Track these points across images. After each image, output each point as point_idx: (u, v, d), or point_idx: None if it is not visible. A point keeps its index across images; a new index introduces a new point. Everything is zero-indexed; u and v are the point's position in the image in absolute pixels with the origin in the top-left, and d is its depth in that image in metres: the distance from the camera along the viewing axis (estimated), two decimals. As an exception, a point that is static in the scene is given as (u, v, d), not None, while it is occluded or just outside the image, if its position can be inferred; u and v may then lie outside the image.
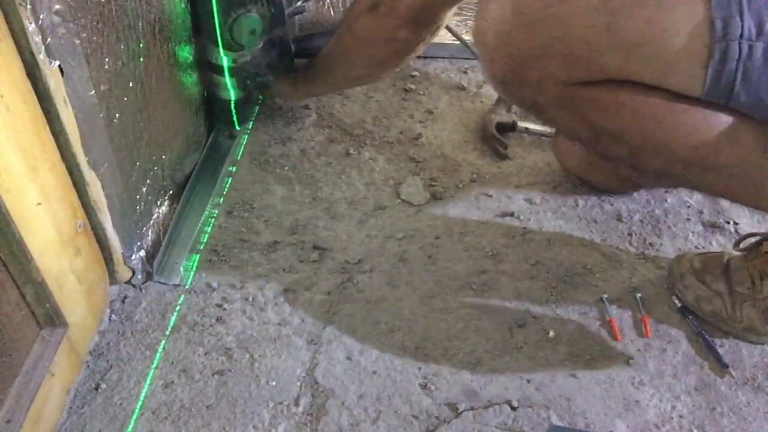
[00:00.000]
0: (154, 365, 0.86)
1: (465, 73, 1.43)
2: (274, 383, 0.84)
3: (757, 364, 0.88)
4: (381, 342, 0.90)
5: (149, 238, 0.97)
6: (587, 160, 1.10)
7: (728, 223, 1.09)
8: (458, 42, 1.46)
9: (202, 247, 1.02)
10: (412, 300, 0.96)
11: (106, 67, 0.78)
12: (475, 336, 0.91)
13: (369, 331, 0.91)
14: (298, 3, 1.24)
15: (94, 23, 0.74)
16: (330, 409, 0.82)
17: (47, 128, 0.70)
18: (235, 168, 1.17)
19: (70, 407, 0.81)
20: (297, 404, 0.82)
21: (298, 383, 0.85)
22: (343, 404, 0.82)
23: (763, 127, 0.71)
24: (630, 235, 1.06)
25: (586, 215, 1.10)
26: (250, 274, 0.98)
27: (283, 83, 1.20)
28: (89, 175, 0.77)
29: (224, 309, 0.93)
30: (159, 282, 0.96)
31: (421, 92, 1.37)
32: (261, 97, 1.29)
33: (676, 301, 0.95)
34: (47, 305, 0.74)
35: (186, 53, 1.03)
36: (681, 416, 0.83)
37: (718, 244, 1.05)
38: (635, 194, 1.13)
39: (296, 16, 1.36)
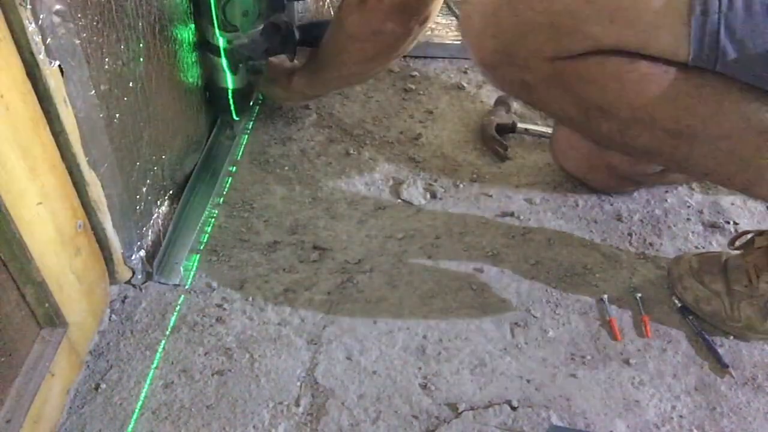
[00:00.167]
0: (154, 365, 0.86)
1: (465, 73, 1.43)
2: (274, 383, 0.84)
3: (757, 364, 0.88)
4: (381, 342, 0.90)
5: (149, 238, 0.97)
6: (586, 161, 1.10)
7: (728, 223, 1.09)
8: (458, 42, 1.46)
9: (202, 247, 1.02)
10: (412, 300, 0.96)
11: (106, 67, 0.78)
12: (475, 336, 0.91)
13: (369, 331, 0.91)
14: None
15: (94, 23, 0.74)
16: (330, 409, 0.82)
17: (47, 128, 0.70)
18: (235, 168, 1.17)
19: (70, 407, 0.81)
20: (297, 404, 0.82)
21: (298, 383, 0.85)
22: (343, 404, 0.82)
23: (750, 96, 0.71)
24: (630, 235, 1.07)
25: (586, 215, 1.10)
26: (250, 274, 0.98)
27: (278, 86, 1.20)
28: (89, 175, 0.77)
29: (224, 309, 0.93)
30: (159, 282, 0.96)
31: (421, 92, 1.37)
32: (261, 96, 1.29)
33: (676, 302, 0.95)
34: (47, 305, 0.74)
35: (187, 47, 1.03)
36: (681, 416, 0.83)
37: (718, 244, 1.05)
38: (635, 194, 1.13)
39: (298, 2, 1.37)
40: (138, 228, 0.94)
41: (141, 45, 0.86)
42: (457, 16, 1.35)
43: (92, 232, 0.83)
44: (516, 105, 1.31)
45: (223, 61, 1.10)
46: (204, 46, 1.09)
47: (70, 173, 0.76)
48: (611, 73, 0.73)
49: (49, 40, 0.65)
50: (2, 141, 0.62)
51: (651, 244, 1.05)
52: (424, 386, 0.85)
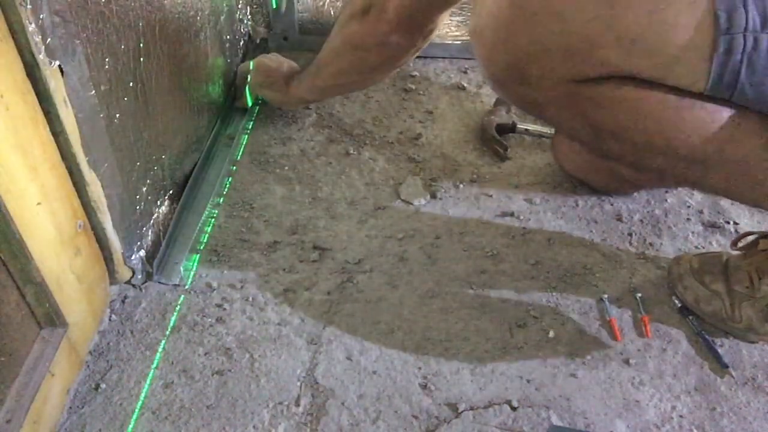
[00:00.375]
0: (154, 365, 0.86)
1: (465, 73, 1.43)
2: (274, 383, 0.84)
3: (757, 364, 0.88)
4: (381, 342, 0.90)
5: (149, 238, 0.97)
6: (586, 162, 1.10)
7: (728, 223, 1.09)
8: (458, 42, 1.46)
9: (202, 247, 1.02)
10: (412, 300, 0.96)
11: (106, 67, 0.78)
12: (475, 336, 0.91)
13: (369, 331, 0.91)
14: None
15: (94, 23, 0.74)
16: (330, 409, 0.82)
17: (47, 128, 0.70)
18: (235, 168, 1.17)
19: (70, 407, 0.81)
20: (297, 404, 0.82)
21: (298, 383, 0.85)
22: (343, 404, 0.82)
23: (765, 123, 0.70)
24: (630, 235, 1.07)
25: (586, 215, 1.10)
26: (250, 274, 0.98)
27: (277, 90, 1.20)
28: (89, 175, 0.77)
29: (224, 309, 0.93)
30: (159, 282, 0.96)
31: (421, 92, 1.37)
32: (260, 98, 1.29)
33: (676, 301, 0.95)
34: (47, 305, 0.74)
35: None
36: (681, 416, 0.83)
37: (718, 244, 1.05)
38: (635, 194, 1.13)
39: (298, 2, 1.39)
40: (138, 228, 0.94)
41: (141, 45, 0.86)
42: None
43: (92, 232, 0.83)
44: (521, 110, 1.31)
45: None
46: None
47: (70, 173, 0.76)
48: (625, 99, 0.71)
49: (49, 40, 0.65)
50: (2, 141, 0.62)
51: (651, 244, 1.05)
52: (424, 386, 0.85)
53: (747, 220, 1.09)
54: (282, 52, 1.30)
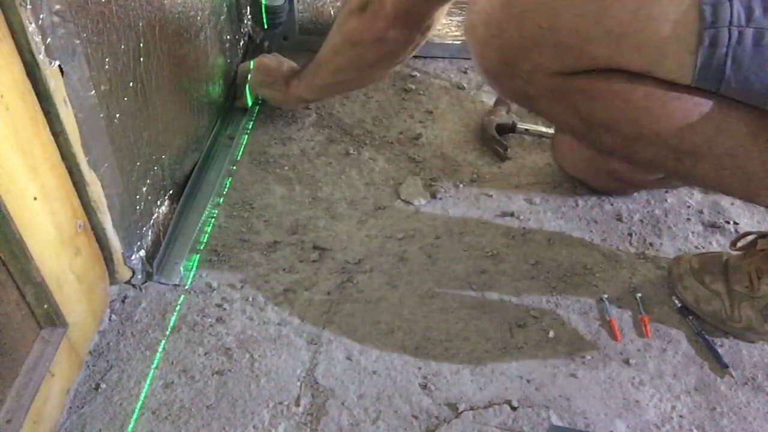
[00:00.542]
0: (154, 365, 0.86)
1: (465, 73, 1.43)
2: (274, 383, 0.84)
3: (757, 364, 0.88)
4: (381, 342, 0.90)
5: (149, 238, 0.97)
6: (586, 162, 1.10)
7: (728, 223, 1.09)
8: (458, 42, 1.46)
9: (202, 247, 1.02)
10: (412, 300, 0.96)
11: (106, 67, 0.78)
12: (475, 336, 0.91)
13: (369, 331, 0.91)
14: None
15: (94, 23, 0.74)
16: (330, 409, 0.82)
17: (47, 128, 0.70)
18: (235, 168, 1.17)
19: (70, 407, 0.81)
20: (297, 404, 0.82)
21: (298, 383, 0.85)
22: (343, 404, 0.82)
23: (753, 114, 0.71)
24: (630, 235, 1.07)
25: (586, 215, 1.10)
26: (250, 274, 0.98)
27: (277, 89, 1.20)
28: (89, 175, 0.77)
29: (224, 309, 0.93)
30: (159, 282, 0.96)
31: (421, 92, 1.37)
32: (260, 98, 1.29)
33: (676, 301, 0.95)
34: (47, 305, 0.74)
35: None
36: (681, 416, 0.83)
37: (718, 244, 1.05)
38: (635, 194, 1.13)
39: (298, 1, 1.42)
40: (138, 228, 0.94)
41: (141, 45, 0.86)
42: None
43: (92, 232, 0.83)
44: (516, 105, 1.31)
45: None
46: None
47: (70, 173, 0.76)
48: (615, 91, 0.72)
49: (49, 40, 0.65)
50: (2, 141, 0.62)
51: (651, 244, 1.05)
52: (424, 386, 0.85)
53: (747, 220, 1.10)
54: (282, 52, 1.30)
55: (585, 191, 1.14)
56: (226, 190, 1.12)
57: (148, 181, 0.94)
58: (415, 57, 1.45)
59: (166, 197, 1.03)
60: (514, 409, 0.82)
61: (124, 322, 0.91)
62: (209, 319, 0.92)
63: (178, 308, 0.93)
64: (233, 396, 0.83)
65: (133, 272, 0.94)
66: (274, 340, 0.90)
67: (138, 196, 0.92)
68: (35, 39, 0.63)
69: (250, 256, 1.01)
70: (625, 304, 0.96)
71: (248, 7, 1.35)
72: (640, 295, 0.96)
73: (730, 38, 0.65)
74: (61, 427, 0.79)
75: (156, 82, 0.92)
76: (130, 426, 0.79)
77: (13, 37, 0.62)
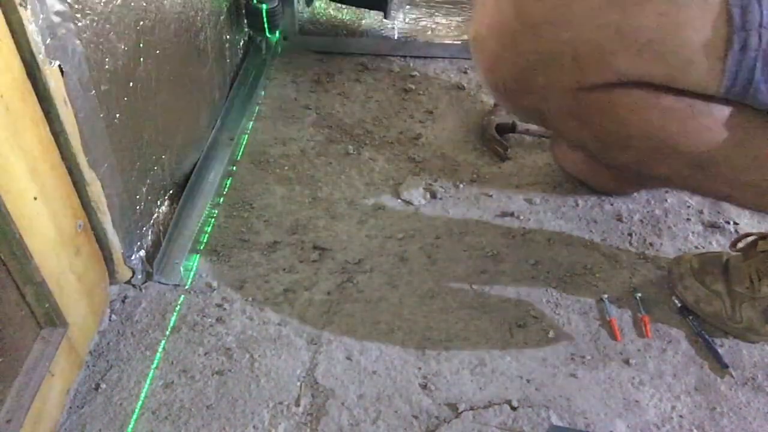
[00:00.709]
0: (154, 365, 0.86)
1: (465, 73, 1.43)
2: (274, 383, 0.84)
3: (757, 364, 0.88)
4: (381, 342, 0.90)
5: (149, 238, 0.97)
6: (586, 162, 1.10)
7: (728, 223, 1.09)
8: (458, 42, 1.46)
9: (202, 247, 1.02)
10: (412, 300, 0.96)
11: (106, 67, 0.78)
12: (475, 336, 0.91)
13: (369, 331, 0.91)
14: None
15: (94, 23, 0.74)
16: (330, 409, 0.82)
17: (47, 128, 0.70)
18: (235, 168, 1.17)
19: (70, 407, 0.81)
20: (297, 404, 0.82)
21: (298, 383, 0.85)
22: (343, 404, 0.82)
23: None
24: (630, 235, 1.07)
25: (586, 215, 1.10)
26: (250, 274, 0.98)
27: None
28: (89, 175, 0.77)
29: (224, 309, 0.93)
30: (159, 282, 0.96)
31: (421, 92, 1.37)
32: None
33: (676, 302, 0.95)
34: (47, 305, 0.74)
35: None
36: (681, 416, 0.83)
37: (718, 244, 1.05)
38: (635, 194, 1.13)
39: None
40: (138, 228, 0.94)
41: (141, 45, 0.86)
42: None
43: (92, 232, 0.83)
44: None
45: None
46: None
47: (70, 173, 0.76)
48: (633, 107, 0.69)
49: (49, 40, 0.65)
50: (2, 141, 0.62)
51: (651, 244, 1.05)
52: (424, 386, 0.85)
53: (747, 220, 1.10)
54: (282, 51, 1.29)
55: (585, 191, 1.14)
56: (226, 190, 1.12)
57: (148, 181, 0.94)
58: (416, 57, 1.45)
59: (166, 197, 1.03)
60: (514, 409, 0.82)
61: (124, 322, 0.91)
62: (209, 319, 0.92)
63: (178, 308, 0.93)
64: (233, 396, 0.83)
65: (133, 272, 0.94)
66: (274, 340, 0.90)
67: (138, 196, 0.92)
68: (35, 39, 0.63)
69: (250, 256, 1.01)
70: (625, 304, 0.96)
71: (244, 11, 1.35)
72: (640, 295, 0.96)
73: (760, 41, 0.62)
74: (61, 427, 0.79)
75: (156, 82, 0.92)
76: (130, 426, 0.79)
77: (13, 37, 0.62)
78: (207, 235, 1.04)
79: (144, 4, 0.85)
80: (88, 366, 0.85)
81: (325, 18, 1.55)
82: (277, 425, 0.80)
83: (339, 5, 1.55)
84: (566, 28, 0.66)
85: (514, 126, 1.25)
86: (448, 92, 1.37)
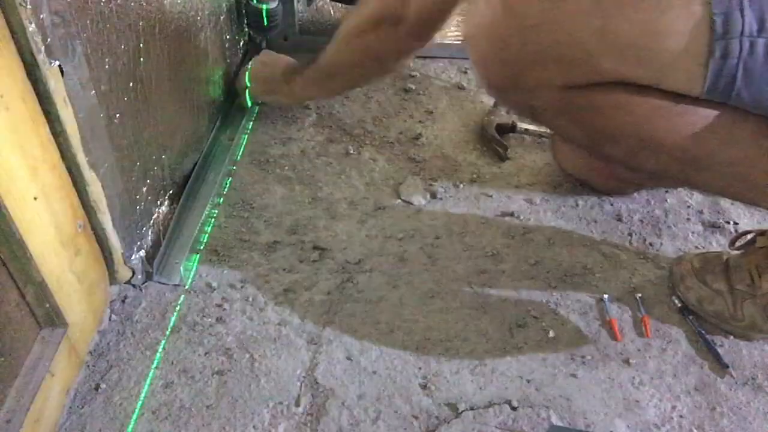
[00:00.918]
0: (154, 365, 0.86)
1: (465, 73, 1.43)
2: (274, 383, 0.84)
3: (757, 364, 0.88)
4: (381, 342, 0.90)
5: (149, 238, 0.97)
6: (586, 162, 1.10)
7: (728, 223, 1.09)
8: (458, 42, 1.46)
9: (202, 247, 1.02)
10: (412, 300, 0.96)
11: (106, 67, 0.78)
12: (475, 336, 0.91)
13: (369, 331, 0.91)
14: None
15: (94, 23, 0.74)
16: (330, 409, 0.82)
17: (47, 128, 0.70)
18: (235, 168, 1.17)
19: (70, 407, 0.81)
20: (297, 404, 0.82)
21: (298, 383, 0.85)
22: (343, 404, 0.82)
23: (759, 124, 0.70)
24: (630, 235, 1.07)
25: (586, 215, 1.10)
26: (250, 274, 0.98)
27: (279, 94, 1.20)
28: (89, 175, 0.77)
29: (224, 309, 0.93)
30: (159, 282, 0.96)
31: (421, 92, 1.37)
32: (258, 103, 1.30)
33: (676, 301, 0.95)
34: (47, 305, 0.74)
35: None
36: (681, 416, 0.83)
37: (718, 244, 1.05)
38: (635, 194, 1.13)
39: (298, 2, 1.44)
40: (138, 228, 0.94)
41: (141, 45, 0.86)
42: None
43: (92, 232, 0.83)
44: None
45: None
46: None
47: (70, 173, 0.76)
48: (620, 105, 0.72)
49: (49, 40, 0.65)
50: (2, 141, 0.62)
51: (651, 244, 1.05)
52: (424, 386, 0.85)
53: (747, 219, 1.09)
54: (282, 52, 1.29)
55: (585, 191, 1.14)
56: (225, 190, 1.12)
57: (148, 181, 0.94)
58: (416, 57, 1.45)
59: (166, 197, 1.03)
60: (514, 409, 0.82)
61: (124, 322, 0.91)
62: (209, 319, 0.92)
63: (178, 308, 0.93)
64: (233, 396, 0.83)
65: (133, 272, 0.94)
66: (274, 340, 0.90)
67: (138, 196, 0.92)
68: (35, 39, 0.63)
69: (250, 256, 1.01)
70: (625, 304, 0.96)
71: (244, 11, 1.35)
72: (640, 295, 0.96)
73: (741, 49, 0.64)
74: (61, 427, 0.79)
75: (156, 82, 0.92)
76: (130, 426, 0.79)
77: (13, 37, 0.62)
78: (207, 235, 1.04)
79: (144, 4, 0.85)
80: (88, 366, 0.85)
81: (325, 18, 1.55)
82: (277, 425, 0.80)
83: (339, 5, 1.55)
84: (553, 31, 0.69)
85: (514, 126, 1.25)
86: (448, 92, 1.37)
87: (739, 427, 0.82)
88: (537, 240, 1.05)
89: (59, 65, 0.68)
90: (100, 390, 0.83)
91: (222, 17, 1.21)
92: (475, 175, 1.17)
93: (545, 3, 0.68)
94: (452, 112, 1.32)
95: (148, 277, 0.96)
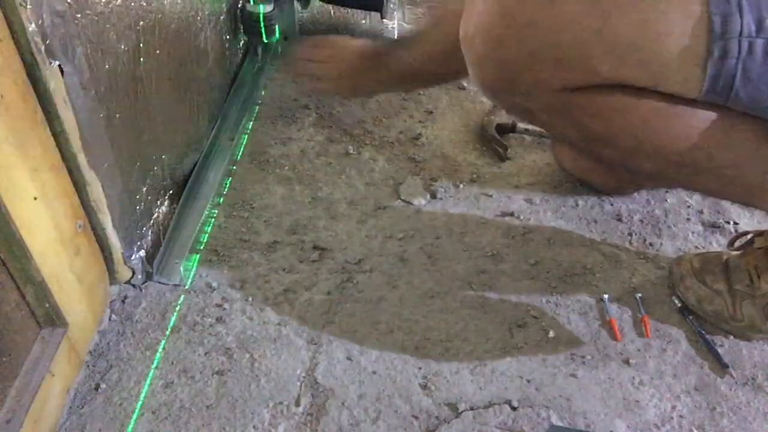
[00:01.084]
0: (154, 365, 0.86)
1: (465, 73, 1.43)
2: (274, 383, 0.84)
3: (757, 364, 0.88)
4: (381, 342, 0.90)
5: (149, 238, 0.97)
6: (586, 163, 1.10)
7: (728, 223, 1.09)
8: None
9: (202, 247, 1.02)
10: (412, 300, 0.96)
11: (106, 67, 0.78)
12: (475, 336, 0.91)
13: (369, 331, 0.91)
14: None
15: (94, 23, 0.74)
16: (330, 409, 0.82)
17: (47, 128, 0.70)
18: (235, 168, 1.17)
19: (70, 407, 0.81)
20: (297, 404, 0.82)
21: (298, 383, 0.85)
22: (343, 404, 0.82)
23: (756, 126, 0.70)
24: (630, 235, 1.07)
25: (586, 215, 1.10)
26: (250, 274, 0.98)
27: (373, 71, 1.07)
28: (89, 175, 0.77)
29: (224, 309, 0.93)
30: (159, 282, 0.96)
31: (421, 92, 1.37)
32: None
33: (676, 301, 0.95)
34: (47, 305, 0.74)
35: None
36: (681, 416, 0.83)
37: (718, 244, 1.05)
38: (635, 194, 1.13)
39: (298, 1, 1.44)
40: (138, 228, 0.94)
41: (141, 45, 0.86)
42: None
43: (92, 232, 0.83)
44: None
45: None
46: None
47: (70, 173, 0.76)
48: (616, 108, 0.71)
49: (49, 40, 0.65)
50: (2, 141, 0.62)
51: (651, 244, 1.05)
52: (424, 386, 0.85)
53: (747, 220, 1.09)
54: (282, 51, 1.29)
55: (585, 191, 1.14)
56: (225, 190, 1.12)
57: (148, 181, 0.94)
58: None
59: (166, 197, 1.03)
60: (514, 409, 0.82)
61: (124, 322, 0.91)
62: (209, 319, 0.92)
63: (178, 308, 0.93)
64: (233, 396, 0.83)
65: (133, 272, 0.94)
66: (274, 340, 0.90)
67: (138, 196, 0.92)
68: (35, 39, 0.63)
69: (250, 256, 1.01)
70: (625, 304, 0.96)
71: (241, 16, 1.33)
72: (640, 295, 0.96)
73: (740, 50, 0.63)
74: (61, 427, 0.79)
75: (156, 82, 0.92)
76: (130, 426, 0.79)
77: (13, 37, 0.62)
78: (207, 235, 1.04)
79: (144, 4, 0.85)
80: (88, 366, 0.85)
81: (325, 18, 1.55)
82: (277, 425, 0.80)
83: (336, 6, 1.55)
84: (549, 32, 0.68)
85: (514, 126, 1.25)
86: (448, 92, 1.37)
87: (739, 427, 0.82)
88: (537, 240, 1.05)
89: (59, 65, 0.68)
90: (100, 390, 0.83)
91: (222, 18, 1.21)
92: (475, 175, 1.17)
93: (543, 3, 0.68)
94: (452, 112, 1.32)
95: (148, 277, 0.96)
